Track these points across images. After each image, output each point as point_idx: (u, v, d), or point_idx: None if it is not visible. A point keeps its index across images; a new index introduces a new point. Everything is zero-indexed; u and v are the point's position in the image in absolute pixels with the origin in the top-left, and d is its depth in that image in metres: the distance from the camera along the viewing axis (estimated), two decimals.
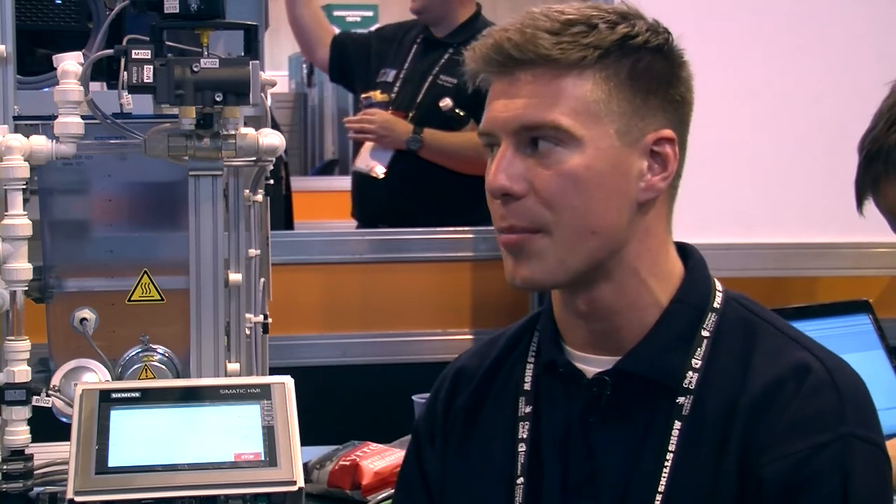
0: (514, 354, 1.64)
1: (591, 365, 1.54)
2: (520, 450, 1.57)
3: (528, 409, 1.58)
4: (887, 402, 1.54)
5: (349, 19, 8.27)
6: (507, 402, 1.61)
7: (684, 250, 1.58)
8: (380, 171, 3.90)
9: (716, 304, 1.54)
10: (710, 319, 1.53)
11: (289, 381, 1.92)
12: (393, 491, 2.33)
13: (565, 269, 1.48)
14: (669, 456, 1.47)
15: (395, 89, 3.99)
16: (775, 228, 3.40)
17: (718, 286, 1.57)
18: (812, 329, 1.57)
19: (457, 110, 3.84)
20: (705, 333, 1.52)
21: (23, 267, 1.91)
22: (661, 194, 1.51)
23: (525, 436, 1.57)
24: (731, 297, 1.56)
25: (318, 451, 2.49)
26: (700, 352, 1.51)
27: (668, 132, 1.49)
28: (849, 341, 1.63)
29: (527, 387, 1.60)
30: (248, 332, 2.14)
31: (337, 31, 4.30)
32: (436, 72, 3.93)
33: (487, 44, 1.48)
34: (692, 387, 1.49)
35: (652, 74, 1.49)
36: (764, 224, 3.39)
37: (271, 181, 2.19)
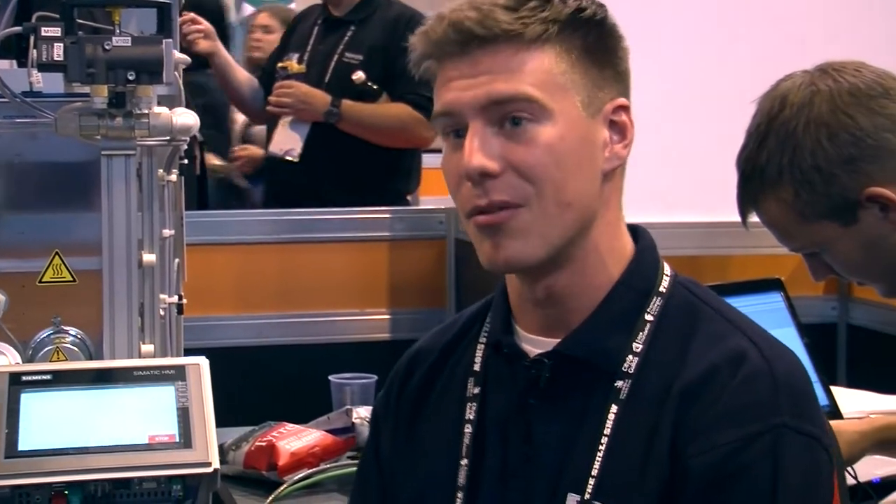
0: (470, 335, 1.63)
1: (537, 346, 1.54)
2: (466, 431, 1.56)
3: (475, 390, 1.58)
4: None
5: None
6: (458, 383, 1.60)
7: (636, 231, 1.57)
8: (295, 154, 3.89)
9: (662, 288, 1.53)
10: (655, 303, 1.52)
11: (204, 362, 1.90)
12: (309, 471, 2.34)
13: (547, 244, 1.46)
14: (604, 440, 1.46)
15: (304, 66, 3.99)
16: (689, 207, 3.44)
17: (667, 270, 1.55)
18: None
19: (369, 83, 3.84)
20: (649, 317, 1.51)
21: None
22: (623, 164, 1.51)
23: (471, 417, 1.57)
24: (679, 281, 1.55)
25: (234, 433, 2.48)
26: (642, 336, 1.50)
27: (623, 100, 1.51)
28: (761, 319, 1.65)
29: (476, 367, 1.59)
30: (162, 312, 2.12)
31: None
32: (340, 50, 3.93)
33: (442, 25, 1.46)
34: (632, 371, 1.48)
35: (602, 46, 1.50)
36: (678, 203, 3.43)
37: (185, 161, 2.17)
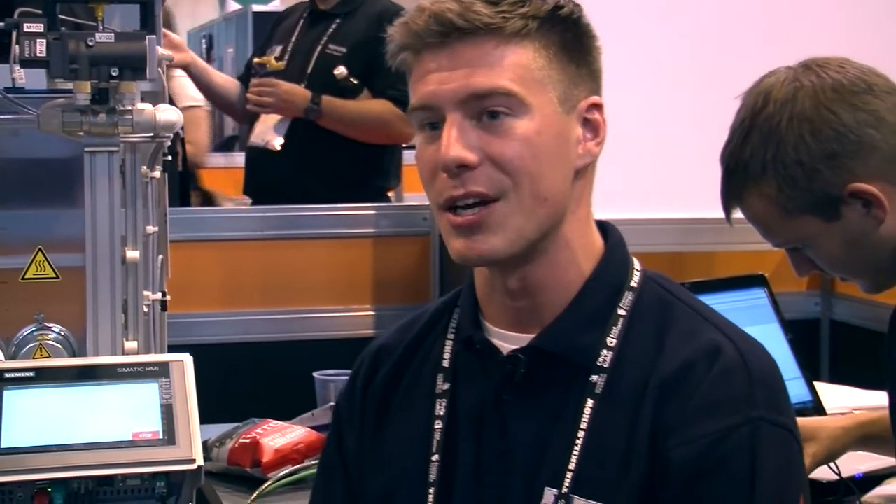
0: (436, 330, 1.64)
1: (509, 342, 1.55)
2: (436, 427, 1.57)
3: (445, 386, 1.58)
4: (783, 373, 1.56)
5: None
6: (426, 379, 1.61)
7: (604, 227, 1.59)
8: (277, 143, 3.89)
9: (633, 283, 1.55)
10: (627, 298, 1.53)
11: (187, 358, 1.90)
12: (293, 468, 2.34)
13: (522, 238, 1.48)
14: (581, 434, 1.48)
15: (284, 62, 3.98)
16: (672, 203, 3.44)
17: (637, 265, 1.57)
18: (710, 303, 1.58)
19: (351, 79, 3.84)
20: (621, 312, 1.52)
21: None
22: (595, 161, 1.53)
23: (442, 413, 1.57)
24: (649, 276, 1.57)
25: (218, 430, 2.47)
26: (616, 330, 1.51)
27: (597, 98, 1.53)
28: (745, 315, 1.66)
29: (445, 363, 1.60)
30: (146, 309, 2.11)
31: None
32: (324, 41, 3.92)
33: (423, 16, 1.48)
34: (606, 365, 1.50)
35: (578, 44, 1.52)
36: (662, 199, 3.43)
37: (169, 157, 2.17)
